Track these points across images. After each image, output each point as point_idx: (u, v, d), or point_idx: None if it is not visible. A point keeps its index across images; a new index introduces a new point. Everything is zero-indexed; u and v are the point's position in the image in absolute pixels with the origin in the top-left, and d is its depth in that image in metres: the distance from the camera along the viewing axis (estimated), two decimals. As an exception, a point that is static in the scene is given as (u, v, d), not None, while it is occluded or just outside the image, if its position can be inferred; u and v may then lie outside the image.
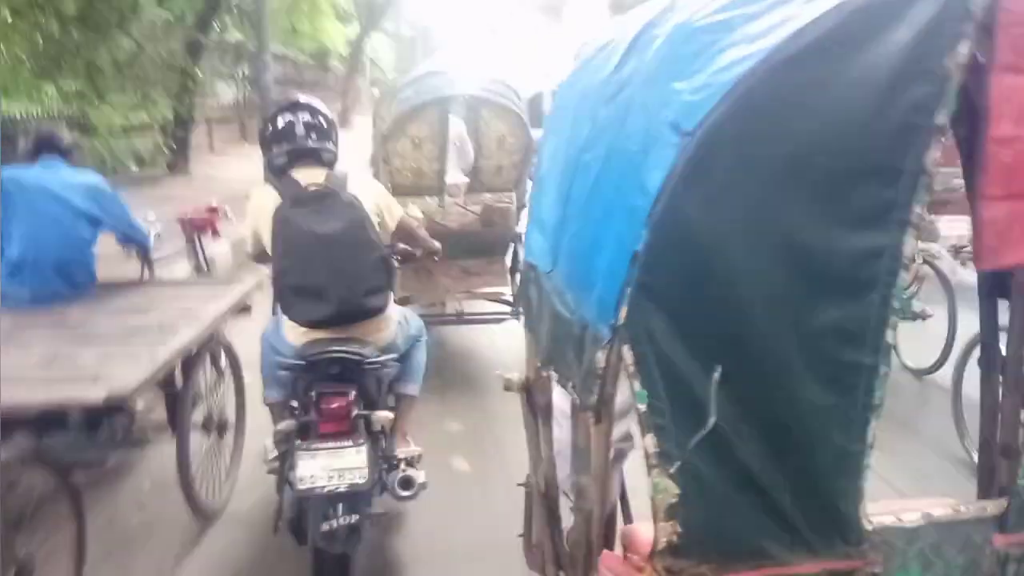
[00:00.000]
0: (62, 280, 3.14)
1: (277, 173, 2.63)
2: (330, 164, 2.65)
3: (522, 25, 46.19)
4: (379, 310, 2.60)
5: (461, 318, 4.80)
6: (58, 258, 3.12)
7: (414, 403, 2.89)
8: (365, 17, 26.51)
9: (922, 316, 4.08)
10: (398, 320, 2.80)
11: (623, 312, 1.11)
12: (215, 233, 4.33)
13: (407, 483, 2.61)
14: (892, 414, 1.67)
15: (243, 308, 3.65)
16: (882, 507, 1.31)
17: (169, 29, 10.93)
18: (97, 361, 2.45)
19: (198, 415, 3.03)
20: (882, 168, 1.10)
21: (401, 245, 2.88)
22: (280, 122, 2.64)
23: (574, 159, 1.47)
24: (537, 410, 1.88)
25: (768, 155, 1.07)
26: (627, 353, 1.11)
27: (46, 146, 3.29)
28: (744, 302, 1.12)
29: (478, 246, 4.86)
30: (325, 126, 2.67)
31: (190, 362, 2.94)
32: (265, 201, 2.55)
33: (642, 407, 1.11)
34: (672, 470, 1.12)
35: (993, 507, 1.35)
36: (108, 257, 3.71)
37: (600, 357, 1.18)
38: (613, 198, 1.24)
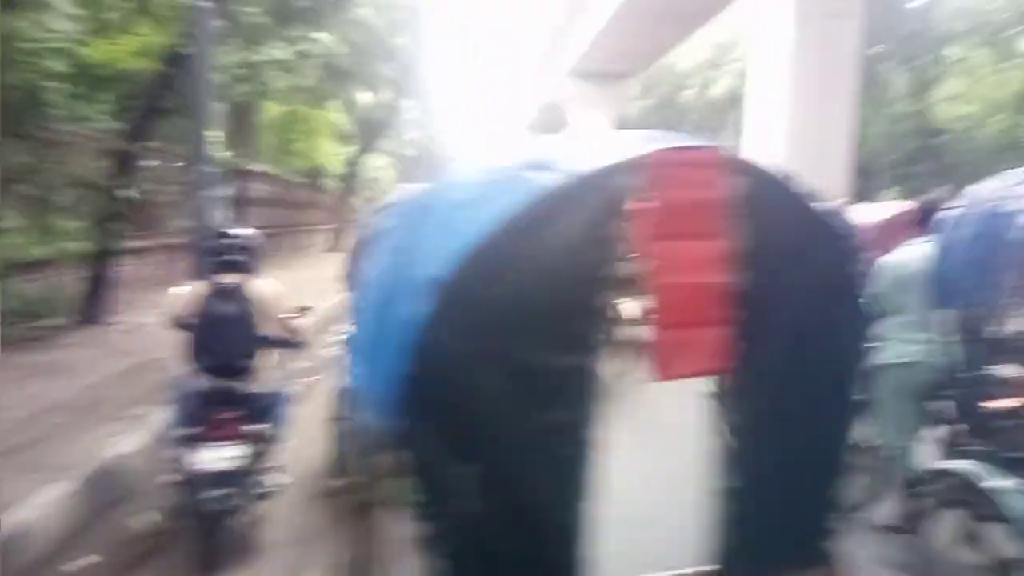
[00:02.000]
0: None
1: (210, 273, 3.98)
2: (245, 271, 4.02)
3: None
4: (245, 369, 3.91)
5: None
6: None
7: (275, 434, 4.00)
8: (364, 138, 25.06)
9: None
10: (266, 380, 4.05)
11: (399, 421, 1.67)
12: None
13: (271, 481, 3.84)
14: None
15: None
16: None
17: (82, 138, 8.43)
18: None
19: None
20: (582, 308, 1.72)
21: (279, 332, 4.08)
22: (216, 243, 4.10)
23: (375, 295, 2.06)
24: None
25: (496, 296, 1.65)
26: (403, 455, 1.68)
27: None
28: (490, 409, 1.67)
29: None
30: (243, 247, 4.09)
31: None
32: (199, 290, 3.94)
33: (411, 499, 1.68)
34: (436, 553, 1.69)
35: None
36: None
37: (385, 459, 1.73)
38: (390, 333, 1.77)
